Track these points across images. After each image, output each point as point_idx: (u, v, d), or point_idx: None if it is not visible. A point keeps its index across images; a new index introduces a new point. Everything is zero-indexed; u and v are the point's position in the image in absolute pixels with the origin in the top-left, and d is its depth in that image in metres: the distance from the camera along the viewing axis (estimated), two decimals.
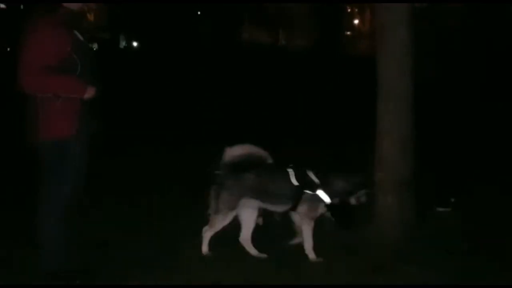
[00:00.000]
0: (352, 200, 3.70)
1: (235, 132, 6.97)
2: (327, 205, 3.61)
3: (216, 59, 16.08)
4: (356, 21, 34.57)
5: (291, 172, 3.61)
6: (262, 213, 3.85)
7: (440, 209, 4.56)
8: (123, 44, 27.29)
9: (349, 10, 31.45)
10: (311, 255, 3.60)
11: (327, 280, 3.32)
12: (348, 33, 32.10)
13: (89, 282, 3.28)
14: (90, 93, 3.17)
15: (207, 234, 3.63)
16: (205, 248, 3.64)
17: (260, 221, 4.16)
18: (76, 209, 3.33)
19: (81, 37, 3.22)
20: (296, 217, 3.71)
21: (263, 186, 3.58)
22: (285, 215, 3.76)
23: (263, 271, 3.44)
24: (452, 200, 4.60)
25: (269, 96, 10.23)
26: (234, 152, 3.57)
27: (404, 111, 4.03)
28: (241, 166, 3.54)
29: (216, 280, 3.33)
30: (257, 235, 3.77)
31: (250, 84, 11.74)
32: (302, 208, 3.61)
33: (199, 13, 24.04)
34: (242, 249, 3.72)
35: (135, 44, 27.39)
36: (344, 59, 17.17)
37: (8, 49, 17.82)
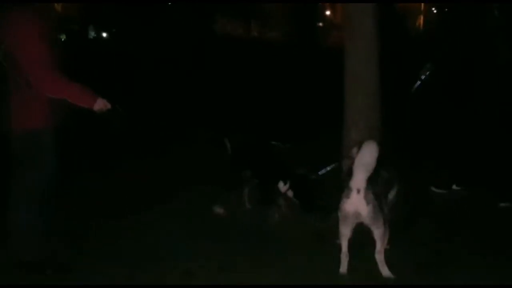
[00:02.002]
0: None
1: (209, 126, 7.02)
2: None
3: (187, 50, 15.97)
4: (327, 12, 34.73)
5: None
6: None
7: (436, 190, 4.74)
8: (92, 34, 26.79)
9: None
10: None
11: (301, 268, 3.40)
12: (320, 24, 32.25)
13: (62, 273, 3.30)
14: (99, 105, 3.18)
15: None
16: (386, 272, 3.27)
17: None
18: (51, 200, 3.33)
19: (50, 27, 3.21)
20: None
21: None
22: None
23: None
24: (454, 186, 4.78)
25: (241, 88, 10.23)
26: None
27: (370, 101, 4.15)
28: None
29: (189, 271, 3.37)
30: None
31: (222, 76, 11.70)
32: None
33: (169, 3, 23.77)
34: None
35: (104, 34, 26.93)
36: (316, 50, 17.28)
37: None
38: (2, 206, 3.30)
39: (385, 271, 3.27)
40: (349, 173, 3.23)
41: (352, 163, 3.25)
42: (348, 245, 3.31)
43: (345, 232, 3.28)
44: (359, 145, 3.22)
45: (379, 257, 3.27)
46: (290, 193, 4.06)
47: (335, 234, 3.52)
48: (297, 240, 3.78)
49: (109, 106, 3.22)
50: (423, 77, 4.71)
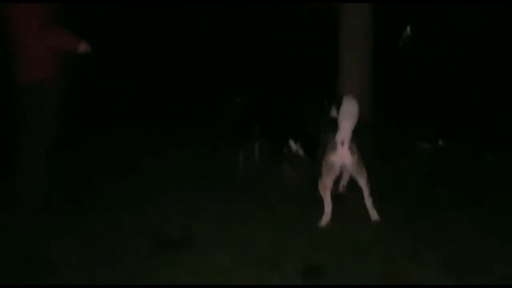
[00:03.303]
0: None
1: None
2: None
3: (172, 18, 15.75)
4: None
5: None
6: None
7: (424, 145, 5.08)
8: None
9: None
10: None
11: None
12: None
13: (70, 215, 3.61)
14: (83, 47, 3.45)
15: None
16: None
17: None
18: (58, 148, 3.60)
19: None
20: None
21: None
22: None
23: None
24: (440, 142, 5.08)
25: (230, 56, 10.23)
26: None
27: (364, 65, 4.37)
28: None
29: (193, 211, 3.66)
30: None
31: (213, 43, 11.64)
32: None
33: None
34: None
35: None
36: (304, 13, 17.06)
37: None
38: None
39: (374, 215, 3.54)
40: (332, 127, 3.44)
41: (331, 119, 3.53)
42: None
43: (329, 184, 3.50)
44: (338, 102, 3.45)
45: (368, 202, 3.54)
46: (301, 152, 4.16)
47: None
48: (296, 192, 4.02)
49: (89, 47, 3.48)
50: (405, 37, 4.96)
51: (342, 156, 3.40)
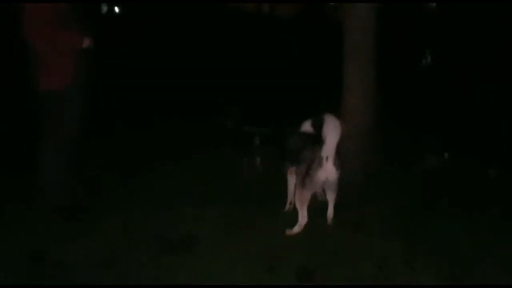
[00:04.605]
0: None
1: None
2: None
3: (200, 27, 16.03)
4: None
5: None
6: None
7: (430, 157, 5.09)
8: (104, 9, 26.87)
9: None
10: None
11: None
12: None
13: (86, 216, 3.74)
14: (86, 43, 3.58)
15: None
16: None
17: None
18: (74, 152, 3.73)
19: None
20: None
21: None
22: None
23: None
24: (446, 154, 5.13)
25: (252, 64, 10.37)
26: None
27: (366, 69, 4.45)
28: None
29: (197, 215, 3.77)
30: None
31: (234, 53, 11.82)
32: None
33: None
34: None
35: (116, 9, 26.97)
36: (328, 26, 17.22)
37: None
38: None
39: (330, 220, 3.66)
40: (316, 143, 3.47)
41: (311, 134, 3.61)
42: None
43: (308, 197, 3.54)
44: (315, 120, 3.56)
45: (330, 215, 3.66)
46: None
47: None
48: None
49: (91, 43, 3.62)
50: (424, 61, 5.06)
51: (327, 172, 3.47)
